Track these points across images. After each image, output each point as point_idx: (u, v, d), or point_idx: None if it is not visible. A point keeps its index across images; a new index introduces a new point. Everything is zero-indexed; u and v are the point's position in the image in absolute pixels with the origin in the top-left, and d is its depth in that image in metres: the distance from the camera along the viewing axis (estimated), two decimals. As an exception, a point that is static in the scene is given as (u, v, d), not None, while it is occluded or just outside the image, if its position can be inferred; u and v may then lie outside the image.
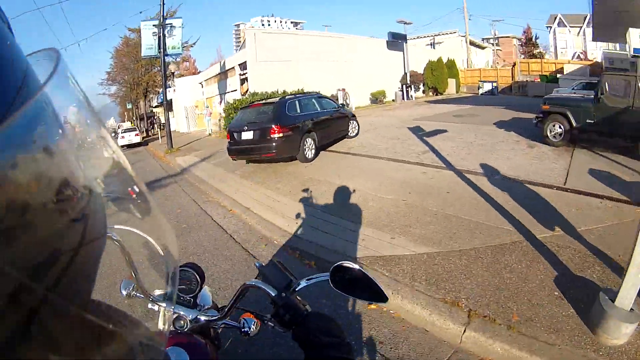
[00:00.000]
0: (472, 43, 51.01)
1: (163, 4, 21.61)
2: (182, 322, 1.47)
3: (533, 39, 61.05)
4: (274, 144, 11.63)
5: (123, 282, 1.40)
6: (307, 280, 1.42)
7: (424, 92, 40.39)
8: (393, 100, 34.92)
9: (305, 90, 20.25)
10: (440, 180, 8.96)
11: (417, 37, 54.04)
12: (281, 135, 11.65)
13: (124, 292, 1.38)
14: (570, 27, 56.49)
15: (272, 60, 25.86)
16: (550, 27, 58.06)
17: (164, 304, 0.85)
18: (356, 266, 1.35)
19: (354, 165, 11.23)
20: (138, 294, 1.33)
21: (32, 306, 0.39)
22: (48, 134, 0.42)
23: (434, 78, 39.55)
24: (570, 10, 61.00)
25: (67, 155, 0.46)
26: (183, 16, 28.63)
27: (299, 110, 12.98)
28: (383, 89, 33.72)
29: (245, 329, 1.45)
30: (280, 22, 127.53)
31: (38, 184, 0.39)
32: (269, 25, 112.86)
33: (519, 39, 66.03)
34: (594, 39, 26.29)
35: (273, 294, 1.34)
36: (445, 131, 15.21)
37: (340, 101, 25.69)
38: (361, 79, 31.33)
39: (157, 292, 1.19)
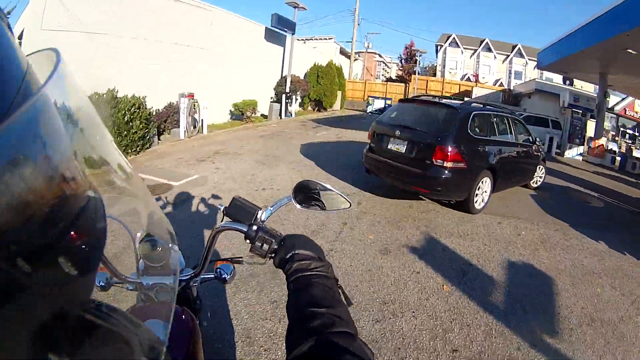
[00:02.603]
0: (345, 53, 43.83)
1: None
2: (165, 292, 1.40)
3: (417, 56, 55.41)
4: (439, 175, 7.54)
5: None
6: (272, 206, 1.45)
7: (301, 105, 28.59)
8: (265, 116, 22.74)
9: (119, 94, 11.28)
10: None
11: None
12: (452, 165, 7.53)
13: (100, 285, 1.38)
14: (464, 48, 54.07)
15: (73, 29, 12.27)
16: (442, 45, 54.79)
17: (138, 280, 0.99)
18: (315, 181, 1.49)
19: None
20: (114, 281, 1.38)
21: (32, 306, 0.42)
22: (48, 133, 0.44)
23: (320, 88, 28.68)
24: (465, 32, 58.21)
25: (67, 155, 0.47)
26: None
27: (486, 132, 8.66)
28: (254, 99, 20.57)
29: (224, 276, 1.53)
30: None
31: (38, 183, 0.41)
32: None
33: (402, 54, 61.99)
34: (539, 67, 27.87)
35: (245, 229, 1.33)
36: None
37: (183, 115, 13.91)
38: (221, 81, 19.04)
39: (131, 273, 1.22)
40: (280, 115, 22.68)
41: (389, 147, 8.41)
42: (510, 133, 9.79)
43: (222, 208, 1.43)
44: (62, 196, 0.44)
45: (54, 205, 0.43)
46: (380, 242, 6.26)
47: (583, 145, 24.61)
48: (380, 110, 35.37)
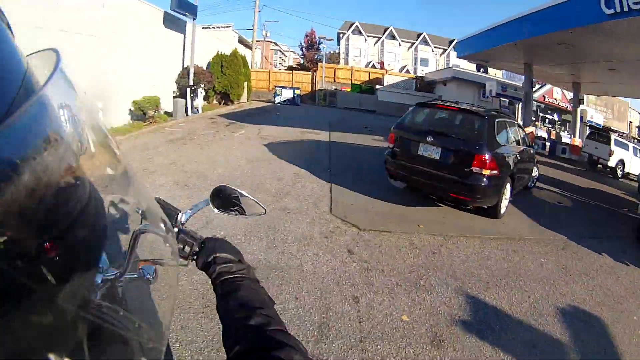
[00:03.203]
0: (243, 42, 41.57)
1: None
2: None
3: (319, 44, 54.06)
4: (479, 183, 7.51)
5: None
6: (190, 209, 1.43)
7: (205, 99, 23.97)
8: (169, 114, 18.84)
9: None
10: None
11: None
12: (489, 173, 7.52)
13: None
14: (368, 36, 53.58)
15: None
16: (344, 33, 53.87)
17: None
18: (232, 187, 1.51)
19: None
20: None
21: (32, 306, 0.43)
22: (47, 133, 0.44)
23: (226, 79, 25.06)
24: (368, 20, 57.87)
25: (66, 154, 0.47)
26: None
27: (506, 138, 8.74)
28: (156, 95, 17.28)
29: (147, 277, 1.26)
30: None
31: (38, 182, 0.41)
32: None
33: (303, 42, 59.80)
34: (459, 56, 28.04)
35: (163, 233, 1.21)
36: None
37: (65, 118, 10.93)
38: (117, 75, 15.39)
39: None
40: (186, 112, 19.48)
41: (419, 153, 8.07)
42: (519, 138, 9.75)
43: (139, 211, 1.16)
44: (63, 195, 0.45)
45: (55, 204, 0.43)
46: (420, 323, 4.41)
47: (512, 133, 25.02)
48: (290, 101, 33.86)
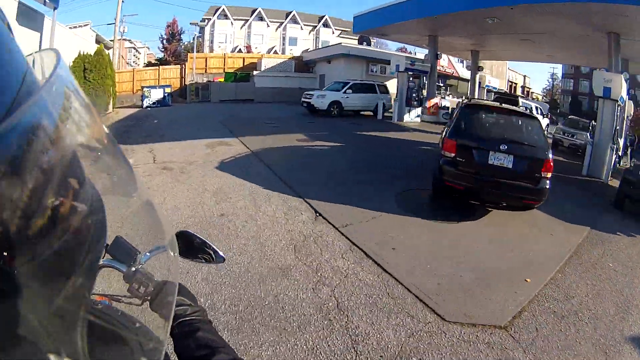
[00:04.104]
0: (101, 41, 37.53)
1: None
2: None
3: (179, 35, 53.48)
4: (546, 187, 7.74)
5: None
6: (149, 252, 1.34)
7: None
8: None
9: None
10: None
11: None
12: (550, 174, 7.80)
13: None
14: (235, 19, 51.99)
15: None
16: (210, 19, 51.54)
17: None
18: (194, 233, 1.49)
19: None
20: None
21: (32, 306, 0.43)
22: (47, 133, 0.44)
23: (90, 86, 20.72)
24: (234, 2, 55.65)
25: (68, 154, 0.47)
26: None
27: None
28: None
29: None
30: None
31: (39, 182, 0.41)
32: None
33: (164, 33, 55.56)
34: (356, 31, 28.46)
35: (124, 270, 1.27)
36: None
37: None
38: None
39: None
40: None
41: (489, 162, 7.91)
42: None
43: (105, 244, 1.15)
44: (63, 195, 0.45)
45: (55, 205, 0.43)
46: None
47: (421, 107, 25.53)
48: (160, 102, 29.53)
